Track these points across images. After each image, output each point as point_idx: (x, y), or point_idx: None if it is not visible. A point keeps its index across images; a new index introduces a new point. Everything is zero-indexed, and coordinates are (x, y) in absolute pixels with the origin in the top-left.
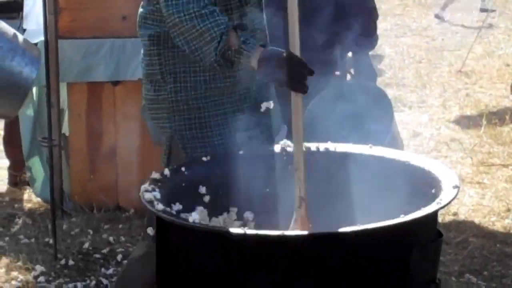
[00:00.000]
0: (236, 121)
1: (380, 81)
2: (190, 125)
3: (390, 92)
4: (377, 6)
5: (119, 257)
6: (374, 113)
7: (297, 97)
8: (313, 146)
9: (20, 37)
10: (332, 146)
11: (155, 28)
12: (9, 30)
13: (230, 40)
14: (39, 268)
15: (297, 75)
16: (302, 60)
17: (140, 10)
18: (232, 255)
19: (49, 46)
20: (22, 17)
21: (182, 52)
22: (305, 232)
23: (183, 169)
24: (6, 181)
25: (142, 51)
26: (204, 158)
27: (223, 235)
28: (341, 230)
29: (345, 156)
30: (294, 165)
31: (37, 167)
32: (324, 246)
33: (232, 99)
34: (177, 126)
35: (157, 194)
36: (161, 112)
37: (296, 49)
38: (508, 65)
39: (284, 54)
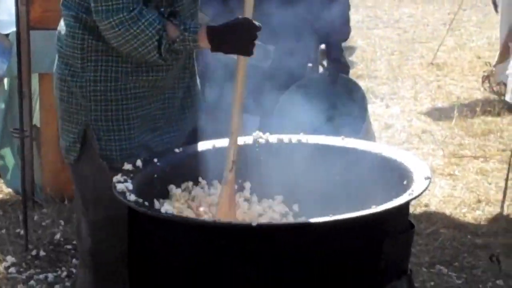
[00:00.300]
0: (155, 119)
1: (352, 73)
2: (106, 116)
3: (362, 84)
4: None
5: None
6: (347, 105)
7: (244, 60)
8: (285, 137)
9: None
10: (304, 137)
11: (81, 12)
12: None
13: (170, 33)
14: (9, 259)
15: (250, 39)
16: (254, 23)
17: None
18: (203, 244)
19: (21, 37)
20: None
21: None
22: (278, 223)
23: (155, 160)
24: None
25: (63, 30)
26: (176, 150)
27: (195, 225)
28: (313, 220)
29: (317, 147)
30: (231, 128)
31: (8, 158)
32: (298, 236)
33: (155, 95)
34: (93, 116)
35: (129, 185)
36: (74, 98)
37: (249, 13)
38: (479, 57)
39: (236, 21)
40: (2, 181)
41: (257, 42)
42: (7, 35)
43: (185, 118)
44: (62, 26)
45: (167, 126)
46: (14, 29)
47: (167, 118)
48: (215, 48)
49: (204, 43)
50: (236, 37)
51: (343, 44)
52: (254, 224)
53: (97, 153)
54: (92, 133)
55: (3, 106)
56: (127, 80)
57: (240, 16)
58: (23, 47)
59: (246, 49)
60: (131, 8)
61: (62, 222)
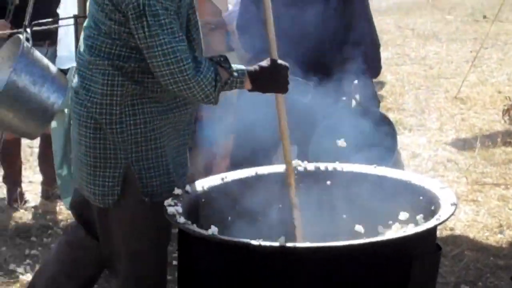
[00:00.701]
0: (181, 153)
1: (382, 106)
2: (147, 155)
3: (391, 116)
4: (379, 36)
5: None
6: (378, 136)
7: (282, 97)
8: (322, 165)
9: (52, 66)
10: (339, 166)
11: (117, 60)
12: (43, 59)
13: (223, 77)
14: None
15: (285, 79)
16: (283, 64)
17: (89, 41)
18: (248, 266)
19: None
20: (48, 45)
21: (145, 84)
22: (317, 245)
23: (202, 185)
24: (40, 194)
25: (97, 81)
26: (222, 176)
27: (241, 247)
28: (349, 243)
29: (352, 175)
30: (286, 158)
31: (64, 183)
32: (333, 258)
33: (180, 130)
34: (134, 157)
35: (179, 208)
36: (112, 143)
37: (275, 54)
38: (500, 92)
39: (268, 64)
40: (62, 203)
41: (298, 78)
42: (67, 69)
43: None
44: (94, 77)
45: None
46: (73, 64)
47: (187, 150)
48: (256, 88)
49: (247, 84)
50: (274, 79)
51: (374, 80)
52: (302, 245)
53: (140, 191)
54: (133, 174)
55: (63, 133)
56: (162, 119)
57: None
58: None
59: (283, 88)
60: (189, 60)
61: None
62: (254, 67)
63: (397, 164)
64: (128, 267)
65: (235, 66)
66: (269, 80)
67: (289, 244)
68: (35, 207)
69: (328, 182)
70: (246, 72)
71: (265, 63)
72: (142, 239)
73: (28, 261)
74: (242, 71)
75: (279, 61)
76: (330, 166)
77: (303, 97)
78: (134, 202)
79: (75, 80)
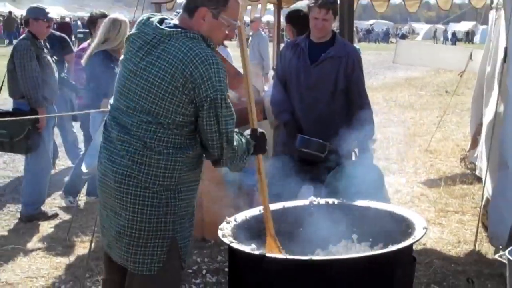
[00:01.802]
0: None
1: (374, 157)
2: (188, 221)
3: (380, 164)
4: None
5: (203, 272)
6: (371, 180)
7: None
8: (330, 201)
9: None
10: (343, 201)
11: (176, 147)
12: None
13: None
14: None
15: (264, 143)
16: (262, 133)
17: (158, 132)
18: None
19: None
20: None
21: (189, 160)
22: (347, 256)
23: (246, 215)
24: None
25: (161, 158)
26: (258, 210)
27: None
28: (350, 256)
29: (352, 207)
30: (264, 207)
31: None
32: (335, 269)
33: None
34: (178, 227)
35: (229, 231)
36: (163, 216)
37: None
38: (458, 145)
39: (256, 136)
40: None
41: (319, 140)
42: None
43: None
44: (153, 163)
45: None
46: None
47: None
48: (253, 153)
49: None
50: (263, 146)
51: None
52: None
53: (180, 258)
54: (177, 241)
55: None
56: (195, 187)
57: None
58: None
59: (263, 150)
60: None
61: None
62: (252, 142)
63: (384, 199)
64: None
65: (247, 141)
66: (262, 148)
67: (304, 258)
68: None
69: (337, 211)
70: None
71: (258, 133)
72: None
73: None
74: (251, 146)
75: (259, 130)
76: (336, 201)
77: (320, 153)
78: (175, 267)
79: (125, 161)
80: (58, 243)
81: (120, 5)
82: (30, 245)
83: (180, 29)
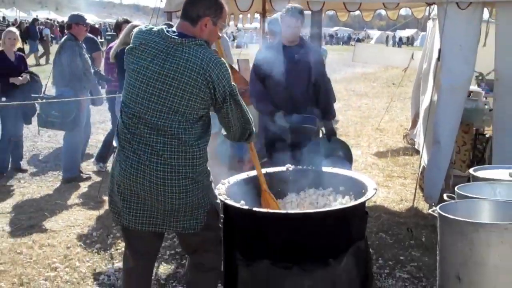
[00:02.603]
0: None
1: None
2: (213, 189)
3: (342, 139)
4: (335, 95)
5: None
6: (339, 151)
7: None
8: (305, 167)
9: None
10: (314, 168)
11: (197, 138)
12: None
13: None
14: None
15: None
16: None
17: (187, 128)
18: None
19: None
20: None
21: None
22: (317, 210)
23: (237, 178)
24: None
25: (196, 150)
26: (246, 174)
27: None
28: (319, 210)
29: (321, 172)
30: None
31: None
32: (307, 220)
33: None
34: (211, 195)
35: (223, 191)
36: (201, 194)
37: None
38: (401, 125)
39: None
40: None
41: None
42: None
43: None
44: (192, 150)
45: None
46: None
47: None
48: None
49: None
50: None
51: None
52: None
53: (218, 215)
54: (213, 205)
55: None
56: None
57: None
58: None
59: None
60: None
61: None
62: None
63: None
64: (216, 260)
65: None
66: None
67: (278, 211)
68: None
69: (309, 176)
70: None
71: None
72: (219, 242)
73: None
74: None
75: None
76: (309, 167)
77: (314, 126)
78: (216, 223)
79: (164, 160)
80: (91, 199)
81: (139, 13)
82: (69, 201)
83: (190, 38)
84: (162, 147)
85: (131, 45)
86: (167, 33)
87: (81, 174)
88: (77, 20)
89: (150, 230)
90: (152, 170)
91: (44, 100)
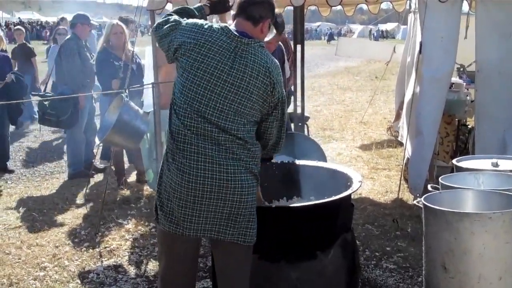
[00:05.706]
0: None
1: (321, 127)
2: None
3: (327, 133)
4: (316, 87)
5: None
6: (317, 149)
7: None
8: (289, 162)
9: (140, 110)
10: (296, 162)
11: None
12: (135, 106)
13: None
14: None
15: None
16: None
17: (251, 130)
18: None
19: (155, 113)
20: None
21: None
22: (305, 204)
23: None
24: (135, 180)
25: (254, 148)
26: None
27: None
28: (307, 203)
29: (305, 166)
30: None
31: (150, 174)
32: (295, 213)
33: None
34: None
35: None
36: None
37: None
38: (385, 118)
39: None
40: (147, 185)
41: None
42: (148, 112)
43: None
44: (254, 150)
45: None
46: (151, 109)
47: None
48: (212, 12)
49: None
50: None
51: (317, 112)
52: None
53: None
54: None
55: (147, 147)
56: None
57: None
58: (156, 118)
59: (227, 8)
60: None
61: None
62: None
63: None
64: (246, 277)
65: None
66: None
67: (265, 205)
68: (132, 187)
69: (295, 170)
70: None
71: None
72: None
73: (129, 217)
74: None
75: None
76: (294, 162)
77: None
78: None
79: (230, 161)
80: (78, 199)
81: (123, 12)
82: (56, 201)
83: (254, 39)
84: (231, 145)
85: (190, 40)
86: (234, 32)
87: (92, 171)
88: (83, 20)
89: (206, 236)
90: (222, 167)
91: (32, 99)
